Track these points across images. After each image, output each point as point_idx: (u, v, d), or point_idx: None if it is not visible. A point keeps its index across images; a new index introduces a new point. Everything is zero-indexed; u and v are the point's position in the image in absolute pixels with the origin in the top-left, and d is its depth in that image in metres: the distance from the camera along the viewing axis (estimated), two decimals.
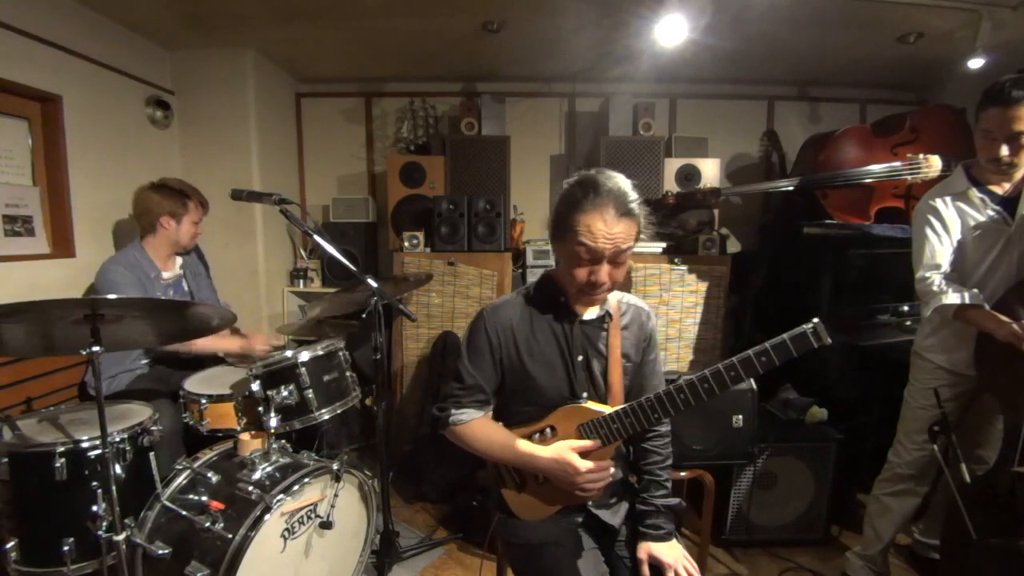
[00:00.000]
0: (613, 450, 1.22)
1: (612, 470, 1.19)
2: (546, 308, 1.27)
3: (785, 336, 1.03)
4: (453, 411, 1.27)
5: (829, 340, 1.00)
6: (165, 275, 2.26)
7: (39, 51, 2.18)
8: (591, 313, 1.27)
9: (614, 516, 1.32)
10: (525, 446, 1.22)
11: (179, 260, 2.37)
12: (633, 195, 1.16)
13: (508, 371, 1.27)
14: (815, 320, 1.02)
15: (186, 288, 2.37)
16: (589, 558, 1.25)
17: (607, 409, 1.20)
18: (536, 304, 1.28)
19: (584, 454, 1.19)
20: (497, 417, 1.33)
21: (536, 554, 1.26)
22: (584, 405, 1.23)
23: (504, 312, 1.27)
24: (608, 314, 1.28)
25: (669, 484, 1.34)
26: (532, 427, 1.27)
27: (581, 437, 1.21)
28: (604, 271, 1.15)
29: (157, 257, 2.24)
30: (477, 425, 1.27)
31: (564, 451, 1.17)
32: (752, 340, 1.04)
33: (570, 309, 1.26)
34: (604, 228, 1.11)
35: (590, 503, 1.30)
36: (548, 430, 1.25)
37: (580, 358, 1.25)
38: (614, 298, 1.32)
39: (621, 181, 1.16)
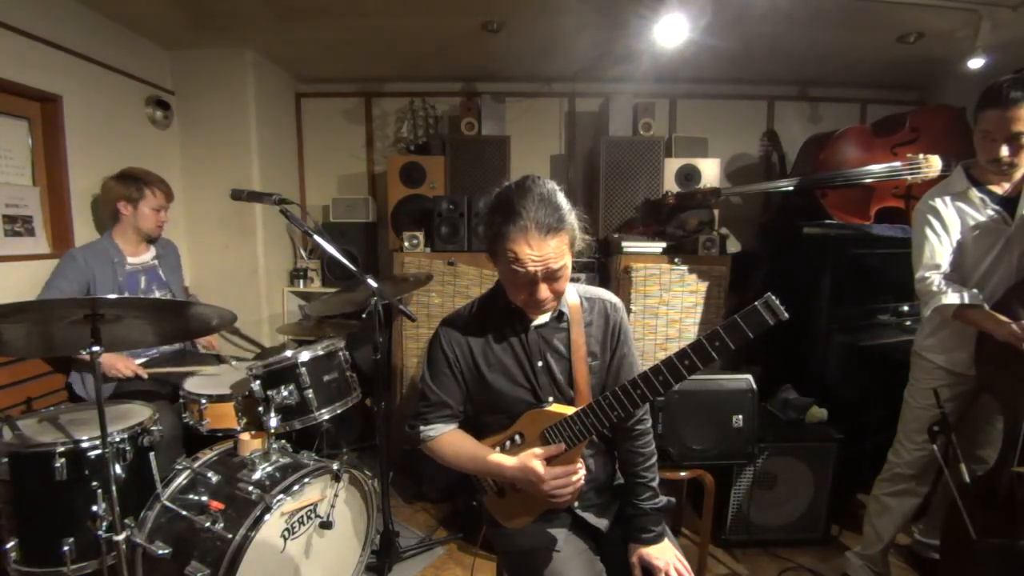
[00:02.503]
0: (580, 452, 1.18)
1: (581, 473, 1.15)
2: (500, 317, 1.24)
3: (736, 316, 0.95)
4: (422, 428, 1.28)
5: (786, 315, 0.92)
6: (132, 260, 2.28)
7: (39, 51, 2.18)
8: (544, 317, 1.24)
9: (601, 518, 1.30)
10: (493, 457, 1.20)
11: (152, 249, 2.39)
12: (559, 205, 1.10)
13: (469, 383, 1.27)
14: (767, 294, 0.93)
15: (163, 277, 2.38)
16: (583, 560, 1.24)
17: (568, 411, 1.16)
18: (490, 314, 1.26)
19: (551, 459, 1.16)
20: (470, 428, 1.31)
21: (529, 560, 1.25)
22: (547, 409, 1.20)
23: (458, 325, 1.27)
24: (562, 313, 1.24)
25: (656, 483, 1.30)
26: (501, 436, 1.26)
27: (545, 443, 1.18)
28: (542, 290, 1.12)
29: (124, 243, 2.28)
30: (447, 439, 1.28)
31: (528, 459, 1.14)
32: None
33: (523, 315, 1.22)
34: (531, 252, 1.06)
35: (576, 506, 1.28)
36: (517, 437, 1.23)
37: (540, 363, 1.22)
38: (576, 294, 1.27)
39: (543, 193, 1.09)
